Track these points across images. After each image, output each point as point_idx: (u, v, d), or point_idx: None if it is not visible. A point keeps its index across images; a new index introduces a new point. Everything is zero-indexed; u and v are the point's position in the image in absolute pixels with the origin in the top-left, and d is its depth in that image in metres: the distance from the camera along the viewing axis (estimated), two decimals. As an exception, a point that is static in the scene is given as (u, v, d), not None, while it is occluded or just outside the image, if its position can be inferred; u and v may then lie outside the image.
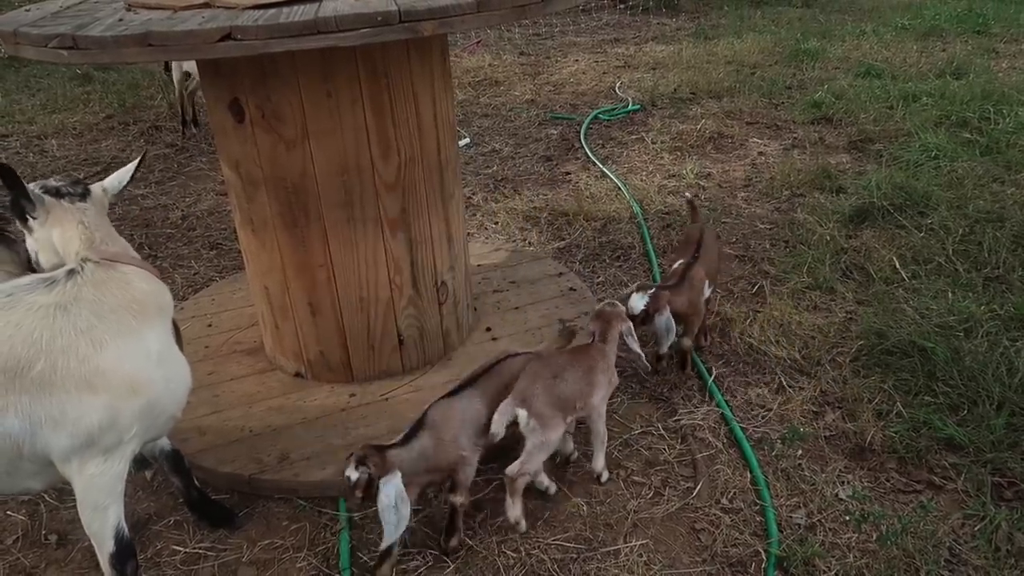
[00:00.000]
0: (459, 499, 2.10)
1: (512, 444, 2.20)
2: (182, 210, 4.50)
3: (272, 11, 1.88)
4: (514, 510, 2.13)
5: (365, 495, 1.91)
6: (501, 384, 2.22)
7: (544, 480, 2.25)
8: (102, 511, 1.79)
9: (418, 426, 2.06)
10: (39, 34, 1.88)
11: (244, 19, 1.81)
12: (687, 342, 2.75)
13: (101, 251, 1.84)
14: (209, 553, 2.18)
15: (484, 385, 2.21)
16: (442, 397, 2.17)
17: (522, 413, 2.10)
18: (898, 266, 3.34)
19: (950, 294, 3.09)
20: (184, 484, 2.21)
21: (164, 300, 1.89)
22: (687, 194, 3.18)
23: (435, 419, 2.08)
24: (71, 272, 1.76)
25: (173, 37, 1.78)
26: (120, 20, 1.95)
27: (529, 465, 2.11)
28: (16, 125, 6.10)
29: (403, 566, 2.09)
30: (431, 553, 2.13)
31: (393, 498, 1.88)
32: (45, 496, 2.38)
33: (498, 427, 2.08)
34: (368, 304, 2.62)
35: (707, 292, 2.77)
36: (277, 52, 1.79)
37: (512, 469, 2.11)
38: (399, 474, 1.92)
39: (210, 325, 3.15)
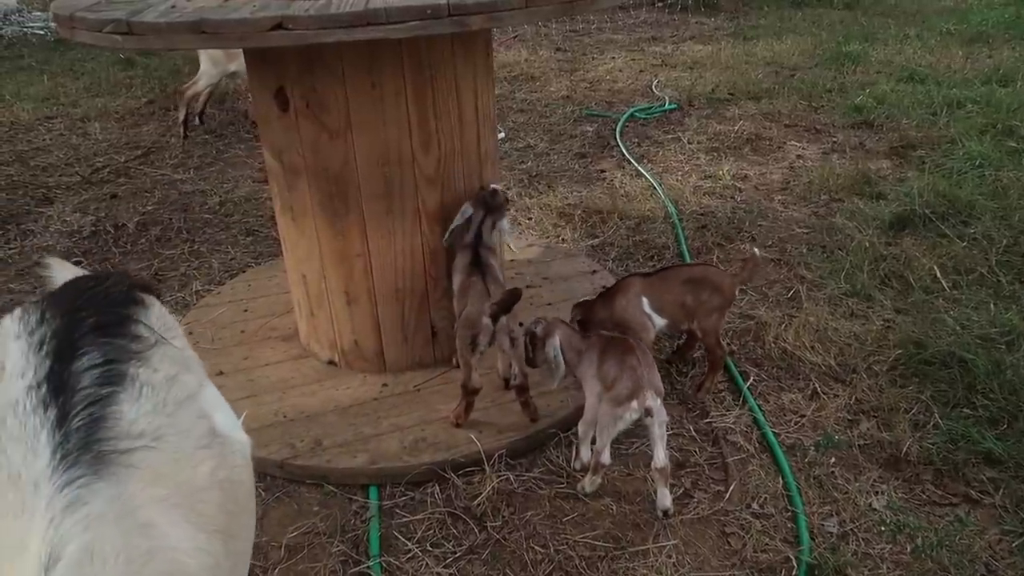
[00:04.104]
0: None
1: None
2: (220, 196, 4.56)
3: (322, 1, 1.90)
4: (667, 499, 2.18)
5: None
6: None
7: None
8: None
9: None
10: (95, 19, 1.91)
11: (295, 8, 1.83)
12: None
13: None
14: (241, 535, 2.21)
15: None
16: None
17: (658, 401, 2.14)
18: (939, 275, 3.28)
19: (992, 306, 3.03)
20: None
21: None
22: (756, 251, 2.84)
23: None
24: None
25: (226, 25, 1.80)
26: (173, 7, 1.98)
27: (665, 447, 2.17)
28: (61, 107, 6.22)
29: (434, 553, 2.11)
30: (463, 542, 2.15)
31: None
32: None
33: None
34: (403, 295, 2.64)
35: (652, 315, 2.59)
36: (325, 43, 1.81)
37: (661, 461, 2.15)
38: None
39: (246, 310, 3.19)
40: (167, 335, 1.28)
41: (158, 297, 1.42)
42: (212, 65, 5.23)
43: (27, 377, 1.07)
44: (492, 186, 2.60)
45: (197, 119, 5.59)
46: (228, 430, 1.31)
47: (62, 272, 1.49)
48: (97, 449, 1.00)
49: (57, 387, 1.05)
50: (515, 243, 2.60)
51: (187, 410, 1.20)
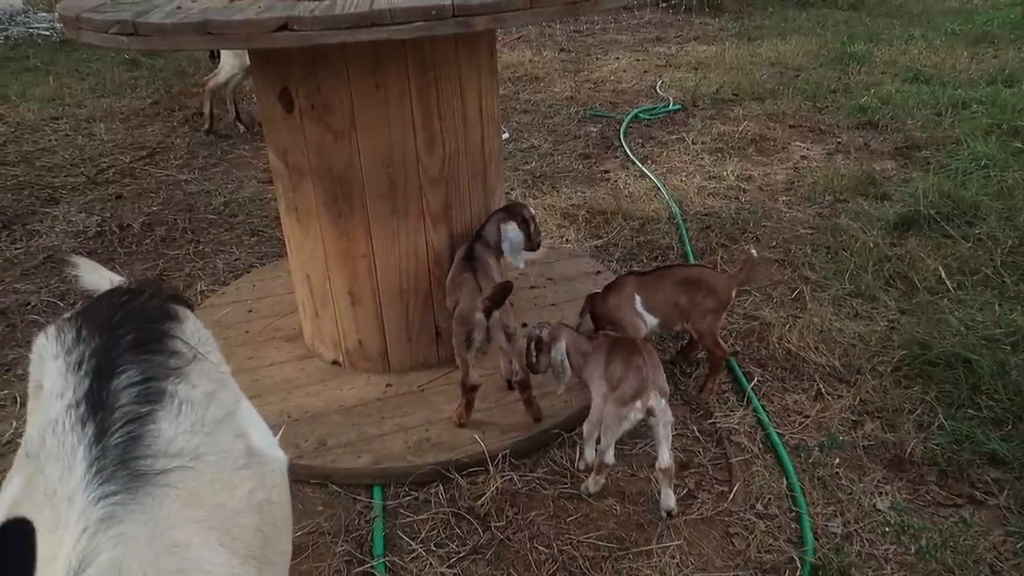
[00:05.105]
0: None
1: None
2: (224, 196, 4.57)
3: (327, 2, 1.90)
4: (671, 499, 2.18)
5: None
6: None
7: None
8: None
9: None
10: (101, 20, 1.92)
11: (300, 9, 1.83)
12: None
13: None
14: (246, 534, 2.22)
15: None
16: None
17: (662, 402, 2.15)
18: (943, 276, 3.28)
19: (997, 306, 3.03)
20: None
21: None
22: (753, 251, 2.79)
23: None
24: None
25: (230, 26, 1.81)
26: (178, 8, 1.99)
27: (669, 448, 2.17)
28: (66, 108, 6.24)
29: (437, 553, 2.11)
30: (467, 542, 2.15)
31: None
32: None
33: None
34: (407, 295, 2.65)
35: (644, 313, 2.60)
36: (330, 43, 1.81)
37: (665, 461, 2.15)
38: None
39: (250, 311, 3.20)
40: (202, 349, 1.26)
41: (192, 309, 1.40)
42: (234, 55, 5.29)
43: (66, 397, 1.06)
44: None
45: (237, 120, 5.66)
46: (265, 447, 1.28)
47: (90, 273, 1.47)
48: (134, 467, 0.99)
49: (96, 405, 1.04)
50: (515, 259, 2.59)
51: (225, 429, 1.18)
